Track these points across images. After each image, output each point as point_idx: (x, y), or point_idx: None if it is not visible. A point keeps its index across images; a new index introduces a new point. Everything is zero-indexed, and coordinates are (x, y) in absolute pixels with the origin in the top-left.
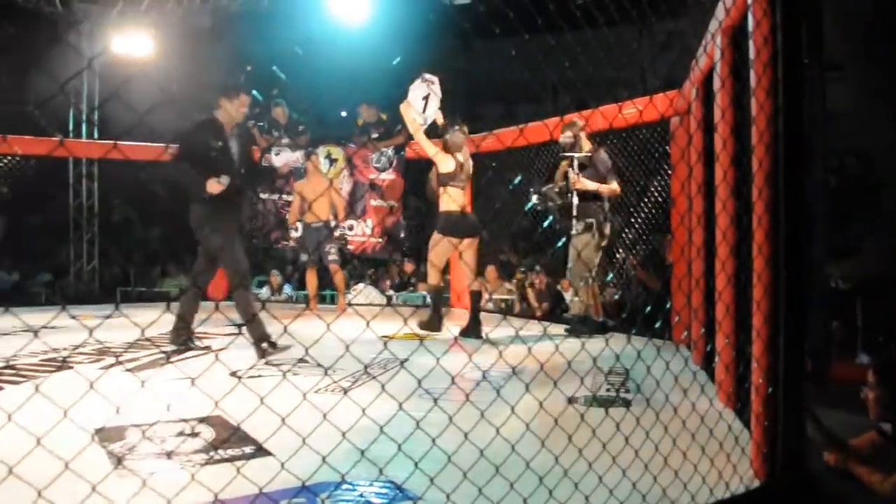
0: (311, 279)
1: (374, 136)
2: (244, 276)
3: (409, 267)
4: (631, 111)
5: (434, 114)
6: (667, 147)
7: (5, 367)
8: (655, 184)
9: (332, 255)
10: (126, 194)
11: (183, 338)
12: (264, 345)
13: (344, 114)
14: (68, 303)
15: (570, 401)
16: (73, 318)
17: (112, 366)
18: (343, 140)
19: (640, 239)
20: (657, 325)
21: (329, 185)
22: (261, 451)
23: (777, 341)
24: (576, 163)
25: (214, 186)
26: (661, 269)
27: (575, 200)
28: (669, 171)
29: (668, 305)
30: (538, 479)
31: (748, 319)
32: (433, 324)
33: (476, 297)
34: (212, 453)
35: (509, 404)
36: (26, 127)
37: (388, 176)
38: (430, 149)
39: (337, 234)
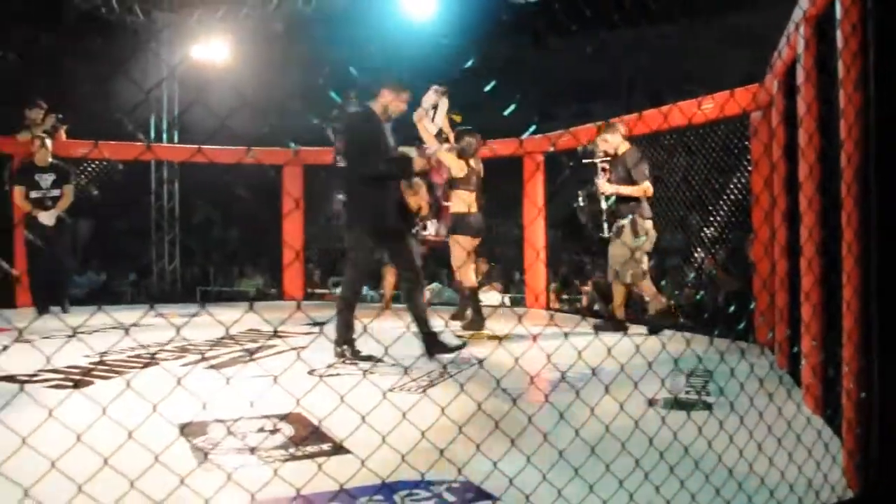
0: (389, 279)
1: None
2: (417, 275)
3: (482, 267)
4: (710, 106)
5: (441, 122)
6: (747, 143)
7: (98, 363)
8: (734, 181)
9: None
10: (206, 196)
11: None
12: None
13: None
14: (151, 302)
15: (651, 403)
16: (161, 316)
17: (197, 362)
18: (416, 141)
19: (720, 238)
20: (741, 326)
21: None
22: (341, 449)
23: (869, 343)
24: (598, 167)
25: (419, 163)
26: (743, 269)
27: (603, 205)
28: (750, 168)
29: (751, 306)
30: (618, 482)
31: (837, 321)
32: (476, 324)
33: (474, 292)
34: (293, 450)
35: (588, 405)
36: (111, 133)
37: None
38: (455, 164)
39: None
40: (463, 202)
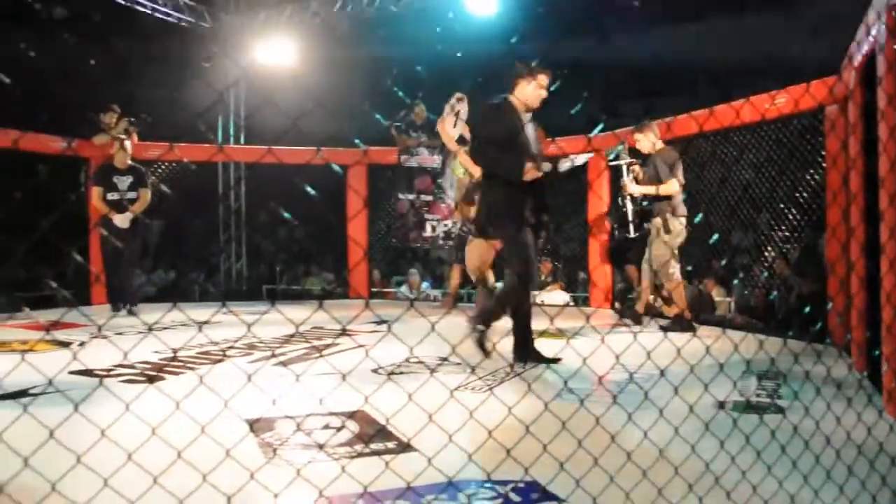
0: (455, 277)
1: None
2: (530, 278)
3: (546, 266)
4: (783, 101)
5: (461, 128)
6: (821, 138)
7: (171, 359)
8: (807, 177)
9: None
10: (272, 197)
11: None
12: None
13: None
14: (218, 300)
15: (721, 405)
16: (231, 313)
17: (266, 359)
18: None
19: (793, 237)
20: (816, 328)
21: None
22: (407, 447)
23: None
24: (623, 169)
25: (531, 173)
26: (817, 269)
27: (629, 206)
28: (825, 164)
29: (827, 307)
30: (688, 486)
31: None
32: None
33: (484, 283)
34: (360, 447)
35: (657, 407)
36: (180, 135)
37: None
38: (469, 163)
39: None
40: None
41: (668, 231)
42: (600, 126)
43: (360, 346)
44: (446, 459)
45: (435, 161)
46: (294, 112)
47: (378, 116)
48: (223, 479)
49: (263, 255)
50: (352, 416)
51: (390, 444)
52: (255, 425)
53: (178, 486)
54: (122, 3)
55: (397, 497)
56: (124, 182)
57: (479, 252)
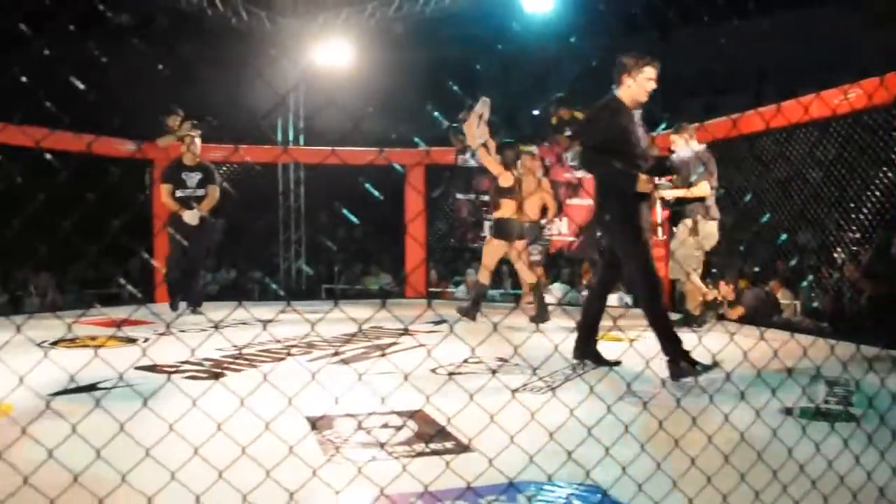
0: (526, 278)
1: (568, 134)
2: (653, 288)
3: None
4: (855, 95)
5: (485, 131)
6: (894, 133)
7: (236, 356)
8: (880, 175)
9: (535, 256)
10: (331, 198)
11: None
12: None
13: (536, 112)
14: (278, 299)
15: (788, 411)
16: (295, 311)
17: (327, 357)
18: (536, 139)
19: (864, 237)
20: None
21: (538, 184)
22: (468, 447)
23: None
24: None
25: (646, 185)
26: (892, 270)
27: (658, 208)
28: None
29: None
30: (754, 494)
31: None
32: (541, 315)
33: (536, 286)
34: (420, 446)
35: (722, 411)
36: (241, 137)
37: (584, 174)
38: (495, 167)
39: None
40: (508, 209)
41: (696, 233)
42: (663, 125)
43: (422, 345)
44: (507, 460)
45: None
46: (353, 114)
47: (437, 115)
48: (286, 476)
49: (322, 254)
50: (413, 415)
51: (450, 444)
52: (317, 423)
53: (242, 482)
54: (186, 9)
55: (457, 497)
56: (193, 179)
57: (496, 253)
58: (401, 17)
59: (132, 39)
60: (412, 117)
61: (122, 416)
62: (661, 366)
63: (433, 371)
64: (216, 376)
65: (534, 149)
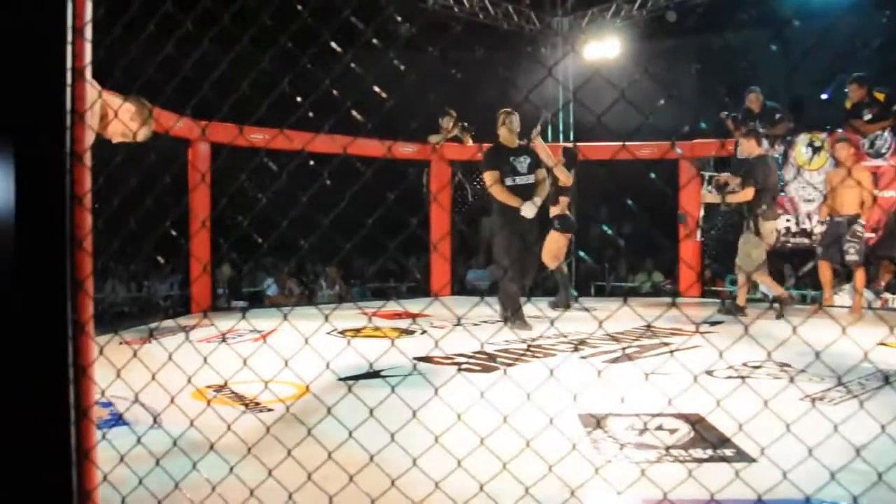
0: (825, 273)
1: (867, 118)
2: None
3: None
4: None
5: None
6: None
7: (526, 349)
8: None
9: (852, 255)
10: (603, 193)
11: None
12: None
13: (825, 96)
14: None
15: None
16: (585, 309)
17: (613, 354)
18: (827, 125)
19: None
20: None
21: (851, 175)
22: (758, 457)
23: None
24: (705, 177)
25: None
26: None
27: (701, 213)
28: None
29: None
30: None
31: None
32: (563, 302)
33: (560, 272)
34: (708, 452)
35: None
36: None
37: (884, 163)
38: (563, 172)
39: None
40: (566, 205)
41: (757, 233)
42: None
43: (711, 345)
44: (803, 475)
45: (775, 151)
46: (626, 107)
47: (725, 111)
48: (568, 471)
49: (592, 251)
50: (700, 419)
51: (730, 452)
52: (601, 420)
53: (524, 474)
54: (459, 15)
55: None
56: (522, 163)
57: (557, 244)
58: (673, 6)
59: (411, 50)
60: (686, 108)
61: (413, 404)
62: None
63: (709, 373)
64: (504, 370)
65: (801, 137)
